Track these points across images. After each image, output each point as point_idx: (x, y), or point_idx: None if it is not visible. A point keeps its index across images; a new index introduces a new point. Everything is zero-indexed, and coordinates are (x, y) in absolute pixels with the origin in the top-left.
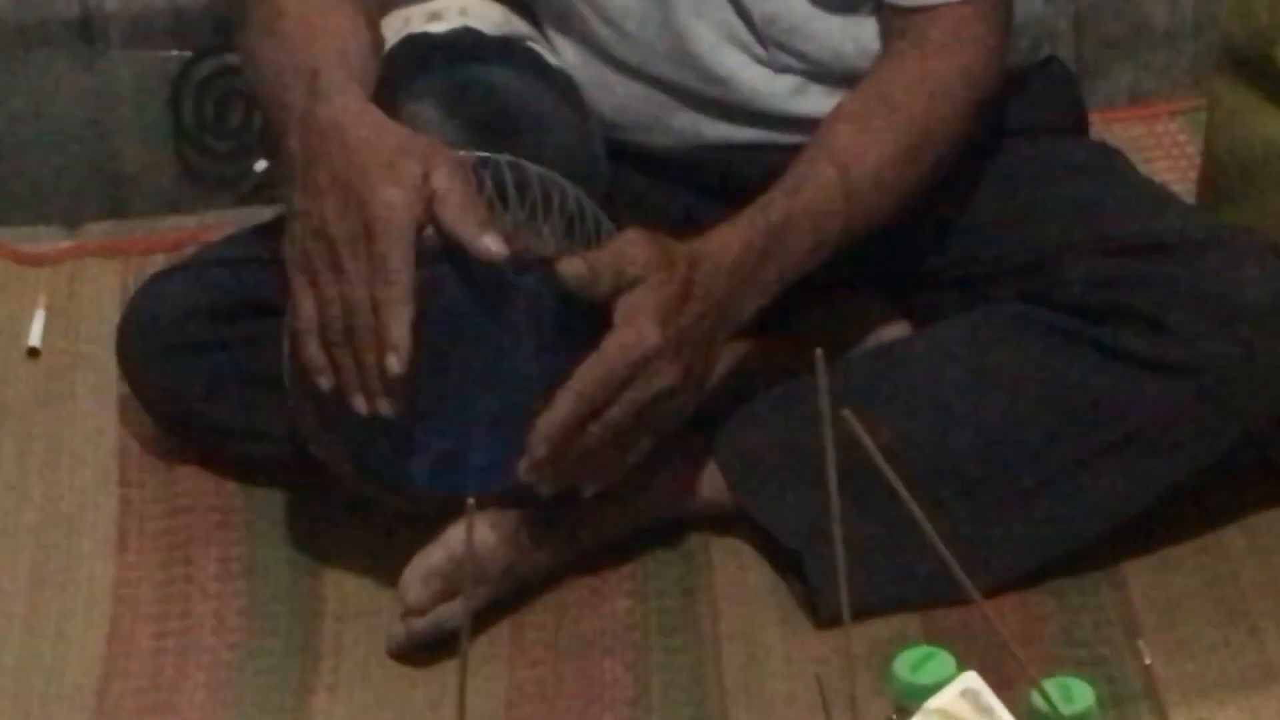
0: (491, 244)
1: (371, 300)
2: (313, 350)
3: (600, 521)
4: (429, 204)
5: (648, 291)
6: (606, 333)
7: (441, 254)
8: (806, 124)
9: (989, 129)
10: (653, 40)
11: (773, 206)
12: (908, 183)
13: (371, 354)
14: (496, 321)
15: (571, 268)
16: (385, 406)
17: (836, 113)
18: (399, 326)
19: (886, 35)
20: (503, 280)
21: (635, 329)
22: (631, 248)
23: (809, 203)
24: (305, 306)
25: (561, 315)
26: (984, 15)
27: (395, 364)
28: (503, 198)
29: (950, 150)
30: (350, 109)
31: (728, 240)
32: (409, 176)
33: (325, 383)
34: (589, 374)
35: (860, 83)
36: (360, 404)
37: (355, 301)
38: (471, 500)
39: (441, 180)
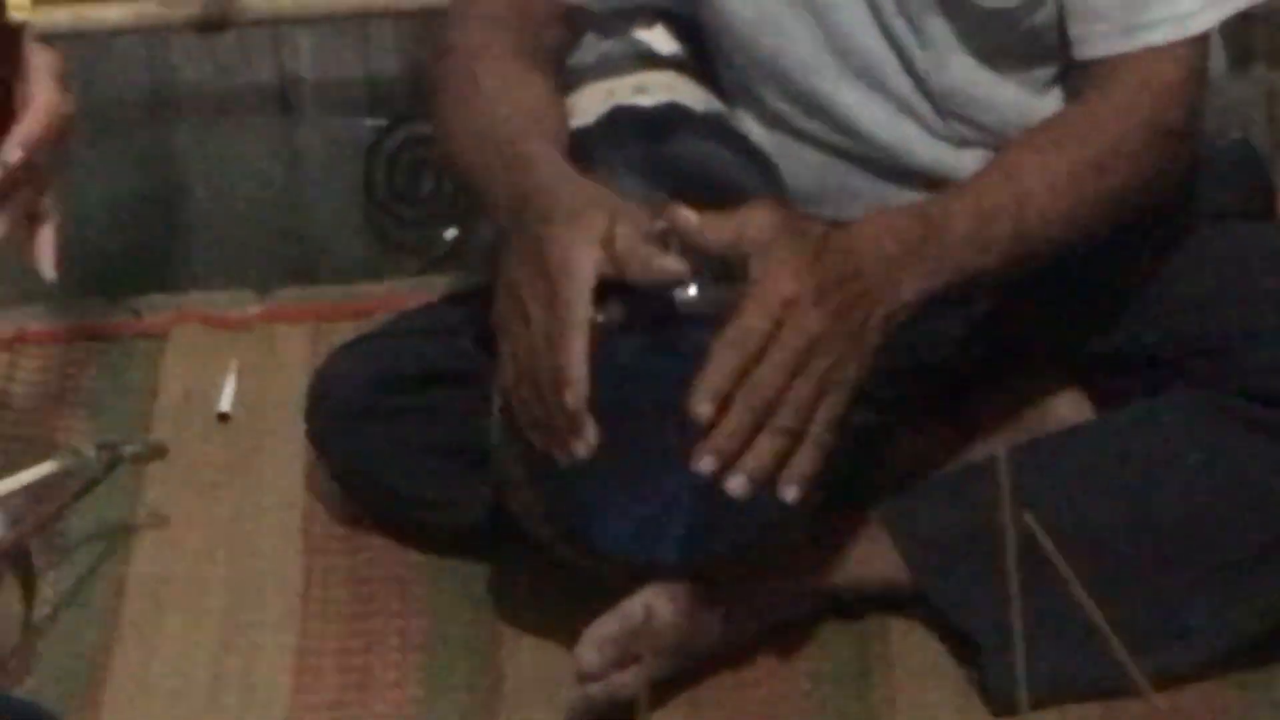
0: (670, 263)
1: (551, 342)
2: (518, 409)
3: (778, 599)
4: (614, 254)
5: (780, 247)
6: None
7: (657, 321)
8: None
9: (1176, 211)
10: (822, 117)
11: (933, 201)
12: (1082, 200)
13: (552, 394)
14: None
15: (682, 215)
16: (577, 450)
17: (1013, 138)
18: (573, 361)
19: (1073, 91)
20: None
21: (770, 278)
22: (758, 212)
23: (975, 199)
24: (506, 364)
25: None
26: (1176, 61)
27: (570, 399)
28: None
29: (1130, 186)
30: (548, 177)
31: (877, 220)
32: (591, 225)
33: (536, 438)
34: (732, 327)
35: None
36: (558, 453)
37: (537, 346)
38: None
39: (625, 230)
